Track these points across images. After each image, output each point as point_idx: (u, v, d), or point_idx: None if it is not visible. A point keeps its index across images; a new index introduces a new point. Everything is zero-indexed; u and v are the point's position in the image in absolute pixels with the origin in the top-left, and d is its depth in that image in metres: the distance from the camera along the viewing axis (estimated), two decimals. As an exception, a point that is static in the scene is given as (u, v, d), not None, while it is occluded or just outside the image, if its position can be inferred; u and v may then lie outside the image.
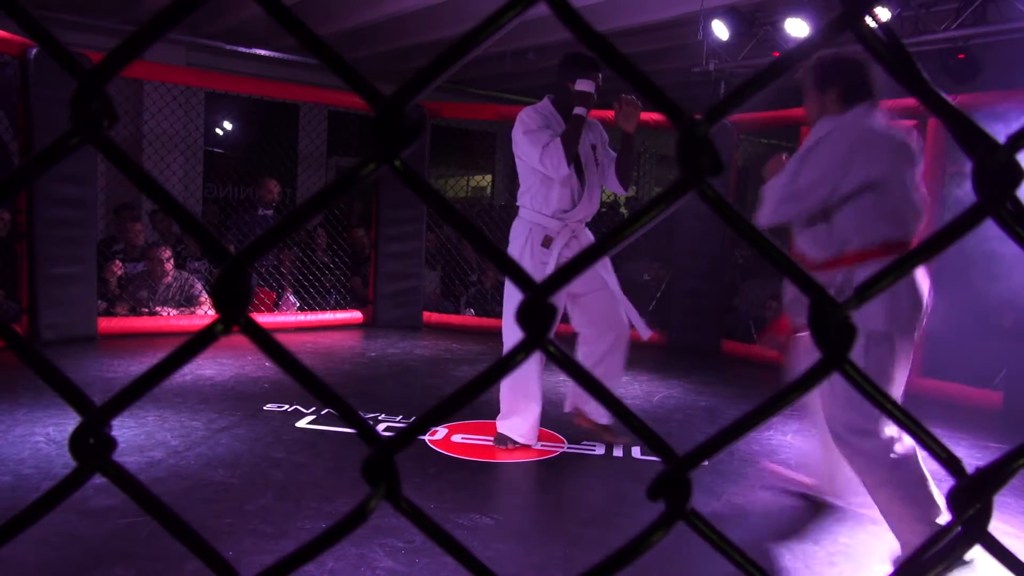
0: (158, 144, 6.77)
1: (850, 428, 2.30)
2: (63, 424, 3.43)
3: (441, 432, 3.58)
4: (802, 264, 2.47)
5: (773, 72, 0.39)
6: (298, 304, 6.48)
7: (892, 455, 2.28)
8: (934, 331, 4.82)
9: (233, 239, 6.33)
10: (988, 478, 0.40)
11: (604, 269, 3.38)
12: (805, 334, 2.63)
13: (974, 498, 0.40)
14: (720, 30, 6.25)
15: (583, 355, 3.43)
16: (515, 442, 3.41)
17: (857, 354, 2.18)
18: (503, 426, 3.44)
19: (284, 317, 6.33)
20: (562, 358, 0.40)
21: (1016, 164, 0.37)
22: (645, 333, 3.49)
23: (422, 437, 3.12)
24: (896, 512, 2.33)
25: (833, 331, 0.39)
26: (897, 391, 2.36)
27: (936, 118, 0.39)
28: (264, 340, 0.40)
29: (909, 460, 2.30)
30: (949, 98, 0.39)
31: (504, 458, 3.34)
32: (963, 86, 5.25)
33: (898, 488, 2.30)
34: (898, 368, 2.32)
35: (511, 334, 3.36)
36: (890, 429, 2.28)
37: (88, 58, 4.20)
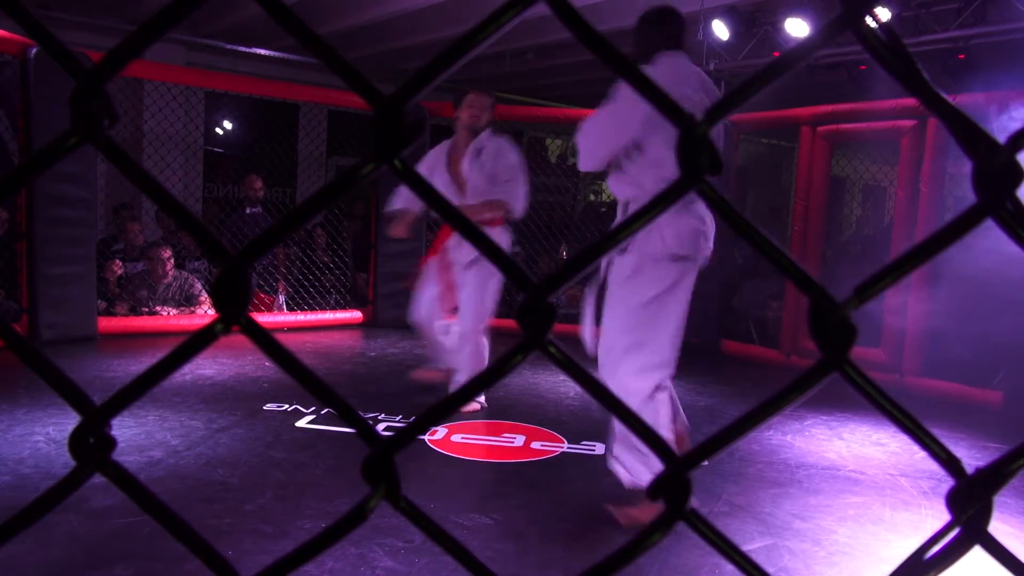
0: (158, 144, 6.77)
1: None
2: (63, 424, 3.43)
3: (441, 432, 3.58)
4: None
5: (773, 72, 0.39)
6: (284, 305, 6.47)
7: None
8: (934, 331, 4.82)
9: (225, 240, 6.32)
10: (988, 478, 0.40)
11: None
12: (433, 263, 4.09)
13: (974, 498, 0.40)
14: (720, 30, 6.25)
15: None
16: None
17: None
18: None
19: (283, 317, 6.33)
20: (563, 359, 0.40)
21: (1016, 164, 0.37)
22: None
23: (422, 437, 3.11)
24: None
25: (833, 331, 0.39)
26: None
27: (936, 118, 0.39)
28: (264, 340, 0.41)
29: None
30: (949, 98, 0.39)
31: (504, 458, 3.34)
32: (963, 86, 5.25)
33: None
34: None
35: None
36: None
37: (88, 58, 4.20)
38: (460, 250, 3.95)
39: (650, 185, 2.59)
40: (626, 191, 2.67)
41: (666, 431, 2.65)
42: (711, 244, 2.70)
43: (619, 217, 2.81)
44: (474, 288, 3.91)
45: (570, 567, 2.32)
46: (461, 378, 3.86)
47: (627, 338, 2.63)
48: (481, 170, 3.91)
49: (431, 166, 4.07)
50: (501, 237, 3.96)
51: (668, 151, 2.53)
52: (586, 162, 2.67)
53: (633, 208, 2.65)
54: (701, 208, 2.65)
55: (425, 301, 4.09)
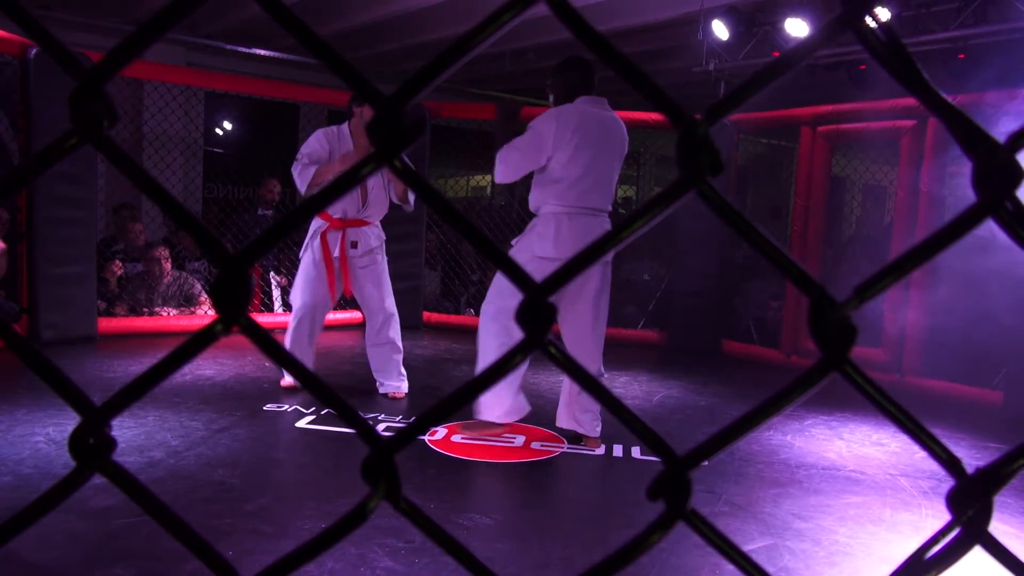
0: (158, 144, 6.76)
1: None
2: (63, 424, 3.43)
3: (441, 432, 3.58)
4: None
5: (773, 72, 0.39)
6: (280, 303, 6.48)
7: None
8: (934, 331, 4.82)
9: (232, 240, 6.32)
10: (988, 478, 0.40)
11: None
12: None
13: (974, 498, 0.40)
14: (720, 30, 6.24)
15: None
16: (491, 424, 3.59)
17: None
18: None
19: (283, 317, 6.32)
20: (563, 359, 0.40)
21: (1016, 164, 0.37)
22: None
23: (422, 437, 3.12)
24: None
25: (833, 331, 0.39)
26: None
27: (936, 118, 0.39)
28: (264, 340, 0.40)
29: None
30: (949, 98, 0.39)
31: (504, 458, 3.34)
32: (963, 86, 5.24)
33: None
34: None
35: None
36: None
37: (88, 58, 4.19)
38: (355, 249, 4.27)
39: (549, 197, 3.32)
40: (533, 202, 3.41)
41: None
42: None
43: (534, 222, 3.41)
44: (378, 278, 4.33)
45: (570, 567, 2.32)
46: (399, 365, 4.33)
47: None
48: (380, 176, 4.17)
49: (331, 152, 4.18)
50: (379, 232, 4.35)
51: (563, 171, 3.27)
52: (502, 178, 3.37)
53: (543, 213, 3.36)
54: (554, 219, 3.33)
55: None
